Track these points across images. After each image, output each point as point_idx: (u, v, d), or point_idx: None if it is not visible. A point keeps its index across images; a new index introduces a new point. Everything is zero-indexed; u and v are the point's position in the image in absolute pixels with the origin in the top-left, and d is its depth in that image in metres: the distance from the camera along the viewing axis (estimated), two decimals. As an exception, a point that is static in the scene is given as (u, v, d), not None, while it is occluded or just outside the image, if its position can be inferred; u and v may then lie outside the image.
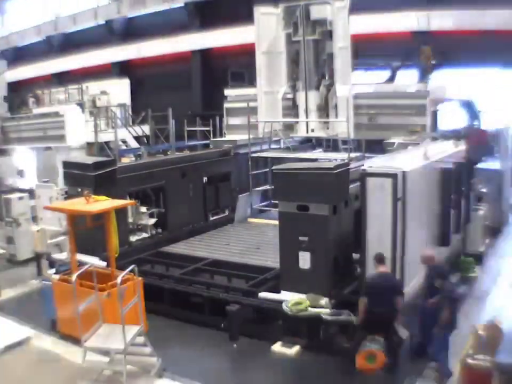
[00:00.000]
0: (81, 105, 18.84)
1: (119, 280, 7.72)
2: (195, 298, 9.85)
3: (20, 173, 18.55)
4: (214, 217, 14.30)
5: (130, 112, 23.32)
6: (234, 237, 12.83)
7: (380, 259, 7.77)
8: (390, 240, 8.28)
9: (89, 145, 18.13)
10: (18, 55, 36.02)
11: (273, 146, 14.98)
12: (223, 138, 17.55)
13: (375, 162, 8.96)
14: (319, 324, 8.32)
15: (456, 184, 10.50)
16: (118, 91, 23.34)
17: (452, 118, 15.67)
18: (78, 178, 11.44)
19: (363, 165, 8.88)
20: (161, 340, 8.46)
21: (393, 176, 8.23)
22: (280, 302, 8.62)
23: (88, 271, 9.05)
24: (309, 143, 16.58)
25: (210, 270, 10.64)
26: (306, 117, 13.79)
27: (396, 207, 8.20)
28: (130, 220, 12.60)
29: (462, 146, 11.63)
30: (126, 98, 23.62)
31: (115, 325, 7.70)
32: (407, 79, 19.00)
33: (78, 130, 17.87)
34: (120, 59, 29.92)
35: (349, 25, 12.75)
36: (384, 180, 8.29)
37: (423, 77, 14.40)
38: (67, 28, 33.79)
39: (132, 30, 30.43)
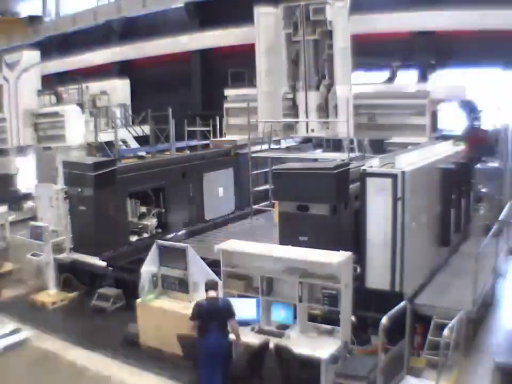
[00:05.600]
0: (81, 105, 18.81)
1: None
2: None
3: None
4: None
5: (130, 112, 23.32)
6: (234, 237, 12.77)
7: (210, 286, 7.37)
8: (390, 240, 8.29)
9: (89, 145, 18.12)
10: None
11: (273, 146, 14.97)
12: (223, 138, 17.55)
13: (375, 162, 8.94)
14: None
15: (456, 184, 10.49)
16: (118, 91, 23.34)
17: (452, 118, 15.69)
18: (78, 178, 11.45)
19: (363, 165, 8.88)
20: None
21: (393, 176, 8.24)
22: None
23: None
24: (309, 143, 16.56)
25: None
26: (306, 117, 13.78)
27: (396, 207, 8.20)
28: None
29: (462, 146, 11.63)
30: (126, 98, 23.62)
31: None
32: (407, 79, 19.02)
33: (78, 130, 17.86)
34: (120, 59, 29.90)
35: (349, 25, 12.74)
36: (384, 180, 8.29)
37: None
38: (67, 28, 33.78)
39: (131, 30, 30.41)
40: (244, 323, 7.74)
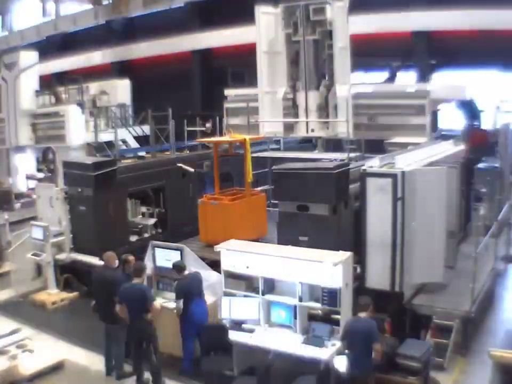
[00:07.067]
0: (81, 105, 18.81)
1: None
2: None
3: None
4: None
5: (130, 112, 23.31)
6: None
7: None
8: (390, 240, 8.29)
9: (89, 145, 18.13)
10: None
11: (273, 146, 14.96)
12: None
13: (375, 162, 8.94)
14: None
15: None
16: (118, 91, 23.35)
17: (452, 118, 15.71)
18: (78, 178, 11.45)
19: (363, 165, 8.88)
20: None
21: (393, 176, 8.24)
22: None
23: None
24: (309, 143, 16.56)
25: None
26: (306, 117, 13.78)
27: (396, 207, 8.20)
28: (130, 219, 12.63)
29: (462, 146, 11.63)
30: (126, 98, 23.62)
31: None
32: (407, 79, 19.04)
33: (78, 130, 17.87)
34: (120, 59, 29.92)
35: (348, 25, 12.75)
36: (384, 180, 8.30)
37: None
38: (67, 28, 33.79)
39: (132, 30, 30.42)
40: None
